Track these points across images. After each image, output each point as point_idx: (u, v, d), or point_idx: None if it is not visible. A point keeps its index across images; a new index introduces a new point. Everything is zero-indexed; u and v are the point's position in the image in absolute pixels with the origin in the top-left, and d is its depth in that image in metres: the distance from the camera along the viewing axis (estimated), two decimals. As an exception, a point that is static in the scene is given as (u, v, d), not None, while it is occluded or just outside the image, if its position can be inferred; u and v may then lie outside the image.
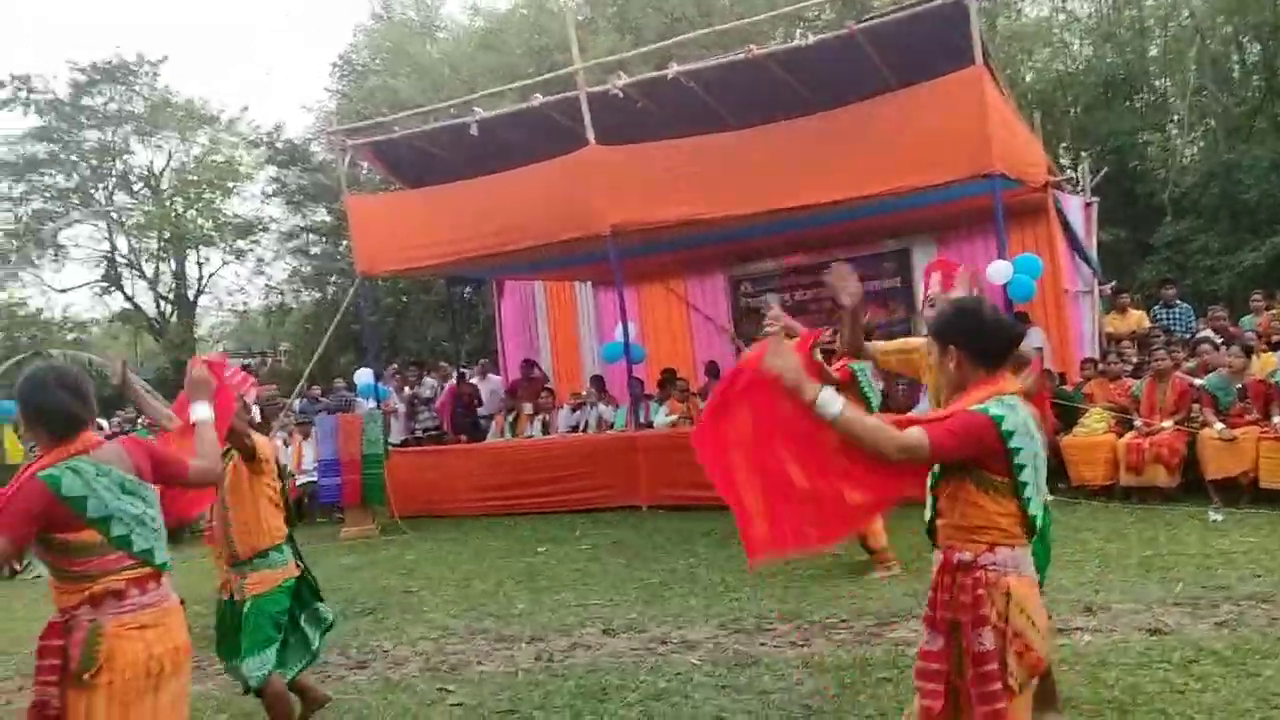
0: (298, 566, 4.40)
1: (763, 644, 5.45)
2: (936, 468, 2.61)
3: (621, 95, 10.10)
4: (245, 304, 32.27)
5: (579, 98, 9.99)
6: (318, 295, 29.16)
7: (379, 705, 4.98)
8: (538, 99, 10.42)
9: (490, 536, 9.47)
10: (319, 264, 29.04)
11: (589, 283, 14.17)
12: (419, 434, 12.27)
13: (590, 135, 9.92)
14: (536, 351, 13.78)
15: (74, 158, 29.48)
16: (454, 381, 12.89)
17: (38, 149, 29.17)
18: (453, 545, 9.25)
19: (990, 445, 2.46)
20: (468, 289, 23.35)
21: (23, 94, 28.92)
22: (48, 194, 29.31)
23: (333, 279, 28.02)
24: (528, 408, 11.43)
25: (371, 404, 11.38)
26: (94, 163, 29.85)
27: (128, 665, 2.71)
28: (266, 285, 32.11)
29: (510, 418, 11.47)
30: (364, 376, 11.63)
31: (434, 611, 6.85)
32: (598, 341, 13.71)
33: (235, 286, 32.28)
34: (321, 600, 4.65)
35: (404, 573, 8.26)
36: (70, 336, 31.92)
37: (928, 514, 2.78)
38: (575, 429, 11.03)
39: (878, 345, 4.25)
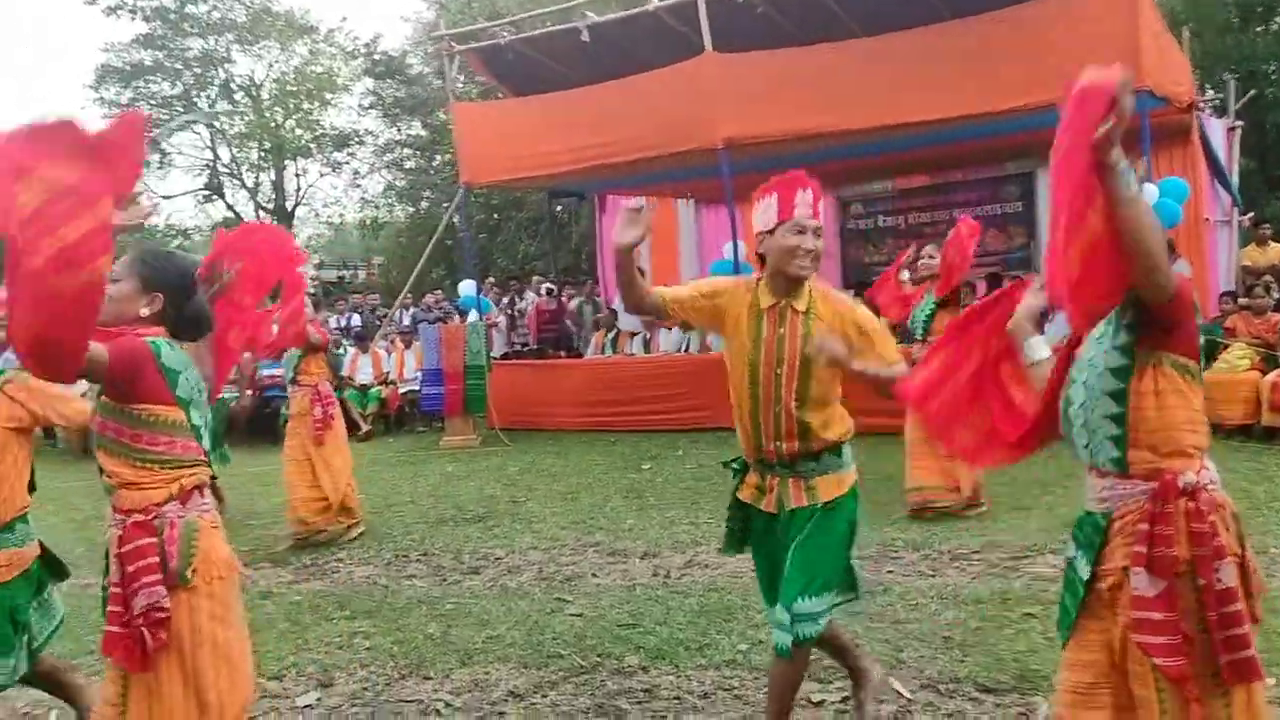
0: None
1: (890, 571, 5.24)
2: (1118, 360, 2.08)
3: (742, 0, 9.65)
4: (341, 216, 32.66)
5: (697, 2, 9.57)
6: (411, 210, 29.33)
7: (498, 611, 4.91)
8: (653, 3, 10.03)
9: (591, 452, 9.39)
10: (413, 178, 29.14)
11: (691, 200, 13.84)
12: (518, 348, 12.21)
13: (707, 42, 9.52)
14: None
15: (178, 65, 29.83)
16: (544, 297, 12.77)
17: (143, 56, 29.59)
18: (554, 459, 9.20)
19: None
20: (560, 206, 23.25)
21: (129, 1, 29.24)
22: (153, 101, 29.80)
23: (426, 193, 28.13)
24: (628, 325, 11.26)
25: (474, 316, 11.34)
26: (197, 71, 30.18)
27: (220, 564, 2.58)
28: (362, 198, 32.37)
29: (610, 335, 11.31)
30: (466, 289, 11.57)
31: (542, 523, 6.79)
32: (698, 260, 13.43)
33: (331, 198, 32.67)
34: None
35: (508, 483, 8.24)
36: (174, 243, 32.78)
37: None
38: (679, 349, 10.83)
39: (665, 293, 3.19)
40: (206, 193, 31.09)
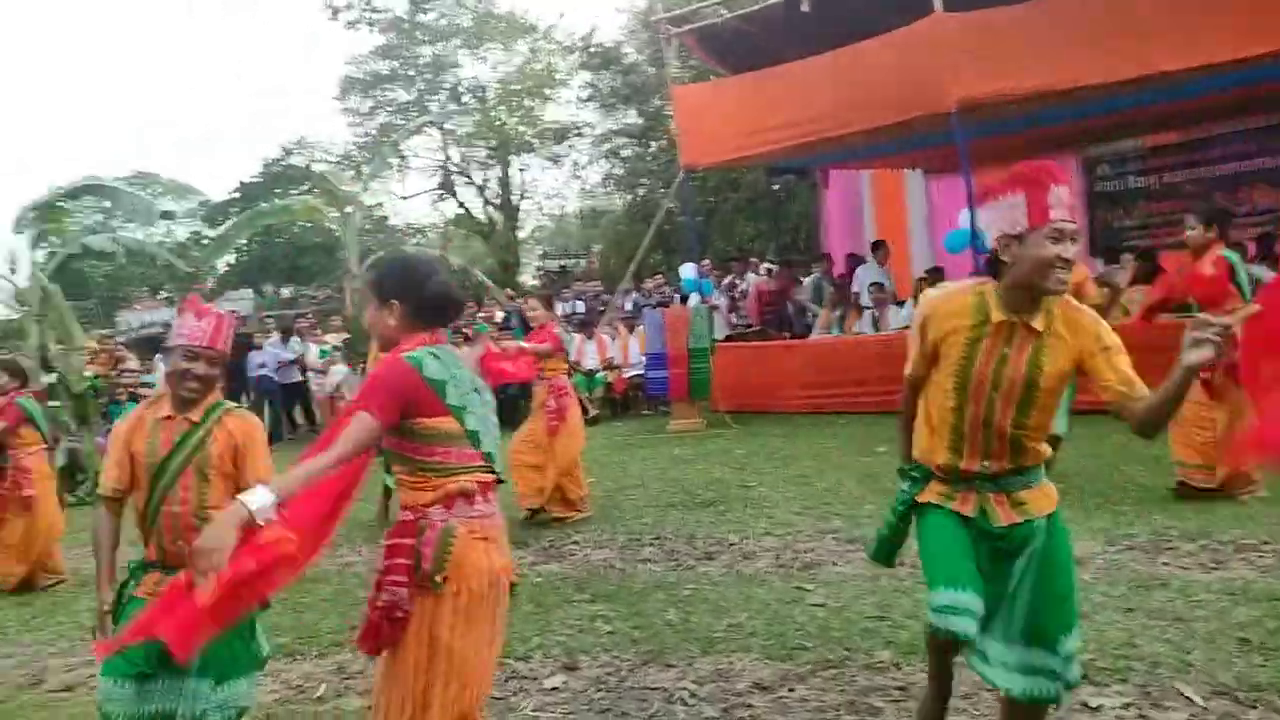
0: None
1: (1165, 564, 4.74)
2: None
3: (972, -45, 9.05)
4: (562, 208, 33.64)
5: (925, -41, 9.08)
6: (629, 197, 29.78)
7: (736, 598, 4.80)
8: (878, -34, 9.59)
9: (819, 435, 9.14)
10: (629, 166, 29.58)
11: (919, 170, 13.22)
12: (740, 329, 12.08)
13: (937, 2, 9.00)
14: (862, 245, 13.11)
15: (411, 73, 31.58)
16: (765, 278, 12.55)
17: (381, 66, 31.53)
18: (782, 442, 9.02)
19: None
20: (775, 184, 22.94)
21: (366, 14, 31.21)
22: (391, 108, 31.71)
23: (643, 180, 28.49)
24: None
25: (695, 299, 11.29)
26: (428, 77, 31.84)
27: (474, 575, 2.54)
28: (581, 189, 33.23)
29: (837, 314, 10.98)
30: (688, 271, 11.54)
31: (775, 508, 6.63)
32: (928, 234, 12.82)
33: (553, 191, 33.70)
34: None
35: (737, 467, 8.13)
36: (413, 241, 34.83)
37: None
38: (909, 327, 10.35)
39: (913, 382, 2.89)
40: (440, 192, 32.80)
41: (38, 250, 9.85)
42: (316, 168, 33.16)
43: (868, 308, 10.78)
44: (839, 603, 4.60)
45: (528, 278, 32.87)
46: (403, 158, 32.50)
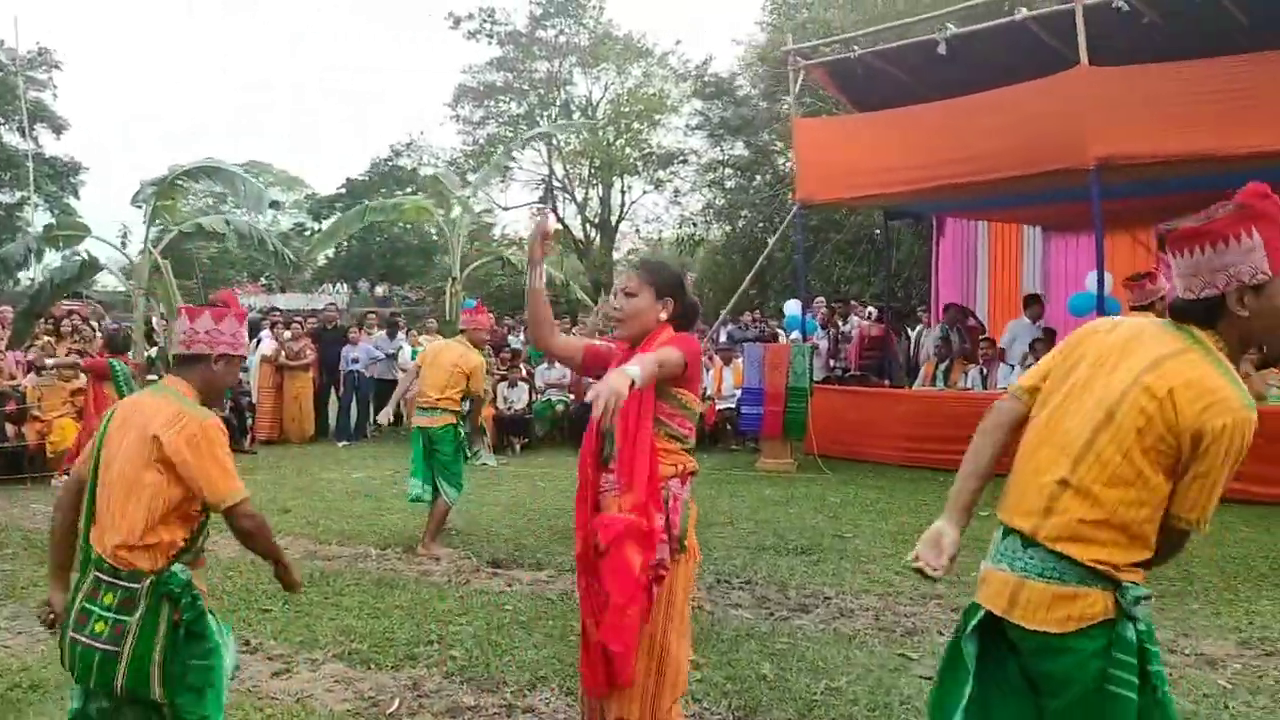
0: None
1: (1314, 676, 4.29)
2: None
3: (1125, 8, 8.65)
4: (660, 232, 33.60)
5: (1074, 11, 8.70)
6: (728, 228, 29.60)
7: (835, 659, 4.49)
8: (1022, 12, 9.23)
9: (919, 490, 8.72)
10: (731, 197, 29.42)
11: (1038, 227, 12.73)
12: (838, 372, 11.71)
13: (1082, 54, 8.62)
14: (972, 298, 12.66)
15: (524, 86, 31.98)
16: (868, 322, 12.17)
17: (495, 78, 31.98)
18: (877, 493, 8.63)
19: None
20: (878, 230, 22.49)
21: (486, 26, 31.72)
22: (501, 119, 32.14)
23: (744, 213, 28.28)
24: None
25: (796, 335, 11.00)
26: (541, 92, 32.21)
27: (695, 548, 2.97)
28: (680, 215, 33.19)
29: (943, 366, 10.55)
30: (792, 308, 11.26)
31: (872, 563, 6.27)
32: (1043, 293, 12.33)
33: (652, 215, 33.70)
34: None
35: (830, 515, 7.78)
36: (508, 252, 35.02)
37: None
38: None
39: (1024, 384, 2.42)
40: (541, 205, 33.05)
41: (152, 226, 10.00)
42: (424, 171, 33.78)
43: (971, 365, 10.31)
44: (948, 678, 4.25)
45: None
46: (507, 169, 32.93)
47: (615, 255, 33.93)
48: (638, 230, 35.05)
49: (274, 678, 4.49)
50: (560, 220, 32.85)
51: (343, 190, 34.96)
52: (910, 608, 5.34)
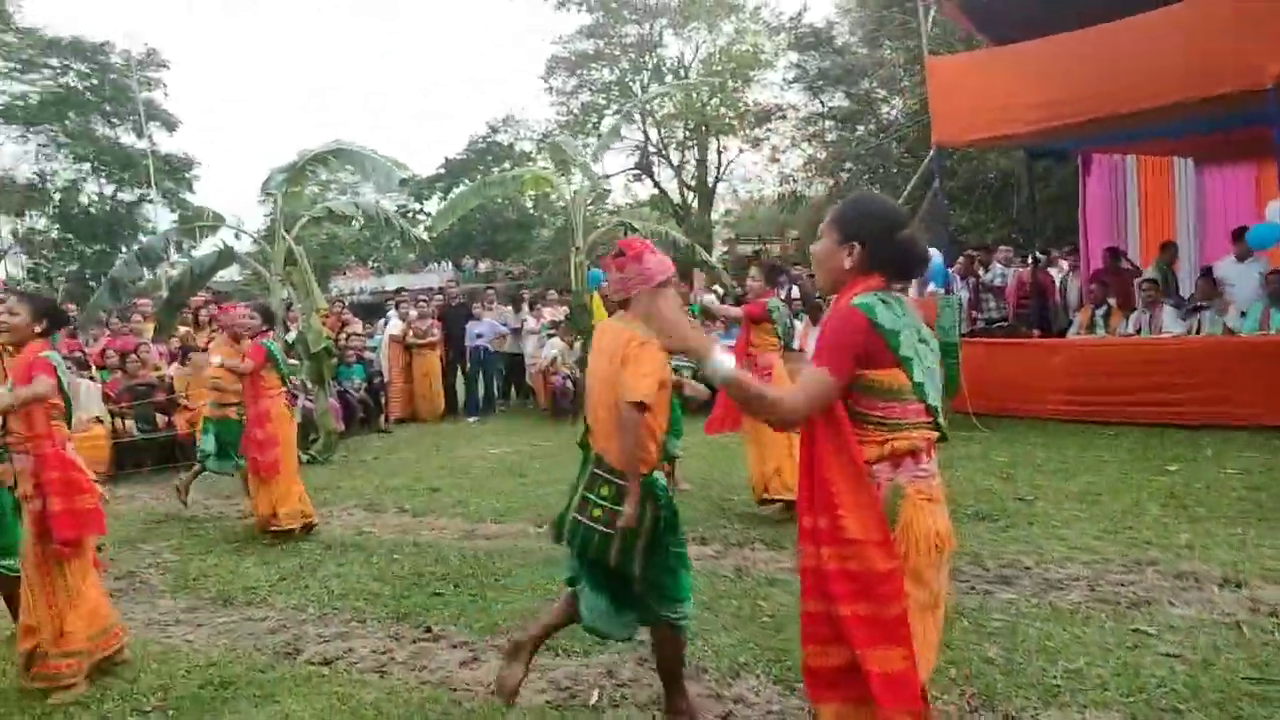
0: None
1: None
2: None
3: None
4: (759, 191, 32.98)
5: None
6: (830, 183, 28.85)
7: (1062, 638, 4.11)
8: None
9: (1091, 446, 8.18)
10: (834, 150, 28.62)
11: (1188, 160, 11.87)
12: (983, 324, 11.11)
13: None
14: (1124, 239, 11.87)
15: (616, 52, 31.57)
16: (1025, 269, 11.50)
17: (587, 45, 31.65)
18: (1045, 451, 8.11)
19: None
20: (991, 175, 21.55)
21: (577, -9, 31.27)
22: (594, 87, 31.82)
23: (847, 166, 27.49)
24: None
25: (932, 288, 10.45)
26: (632, 56, 31.76)
27: (922, 537, 2.40)
28: (780, 172, 32.48)
29: (1101, 312, 9.90)
30: (934, 259, 10.67)
31: (1065, 528, 5.83)
32: (1196, 231, 11.52)
33: (750, 174, 33.09)
34: None
35: (1002, 477, 7.31)
36: (614, 222, 34.83)
37: None
38: (1189, 331, 9.20)
39: None
40: (636, 172, 32.71)
41: (289, 211, 10.01)
42: (521, 146, 33.75)
43: (1132, 310, 9.61)
44: (1197, 654, 3.85)
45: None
46: (600, 136, 32.65)
47: (713, 217, 33.43)
48: (735, 191, 34.49)
49: (462, 667, 4.34)
50: (656, 185, 32.53)
51: (442, 170, 35.13)
52: (1125, 576, 4.90)
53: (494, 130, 33.09)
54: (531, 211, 36.66)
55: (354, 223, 9.50)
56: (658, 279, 3.33)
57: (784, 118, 31.31)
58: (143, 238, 33.54)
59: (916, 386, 2.43)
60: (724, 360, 2.33)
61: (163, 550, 6.75)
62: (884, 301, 2.42)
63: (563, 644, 4.44)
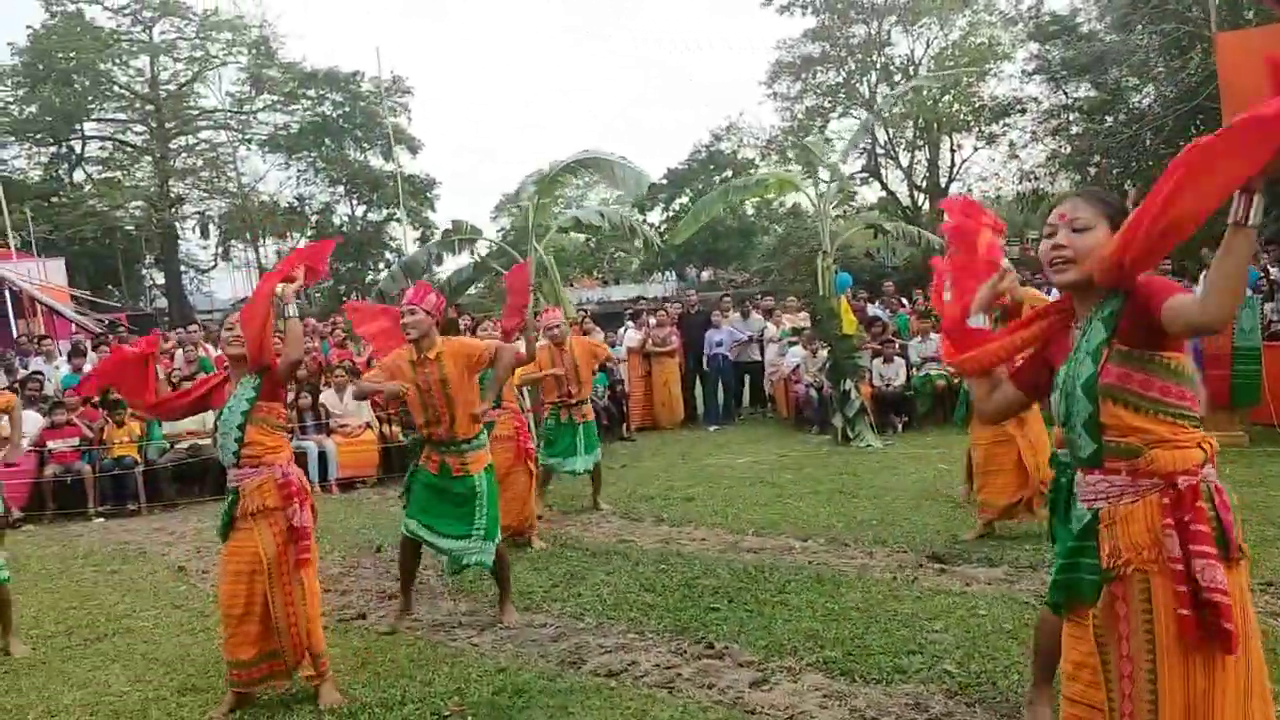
0: None
1: None
2: None
3: None
4: (997, 190, 31.36)
5: None
6: (1076, 178, 27.06)
7: None
8: None
9: None
10: (1079, 143, 26.80)
11: None
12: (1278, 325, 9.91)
13: None
14: None
15: (842, 54, 30.98)
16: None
17: (812, 49, 31.22)
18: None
19: None
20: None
21: (800, -3, 30.99)
22: (818, 90, 31.33)
23: (1095, 160, 25.67)
24: None
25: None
26: (859, 57, 31.07)
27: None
28: (1019, 169, 30.82)
29: None
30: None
31: None
32: None
33: (986, 172, 31.57)
34: None
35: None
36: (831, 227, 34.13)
37: None
38: None
39: None
40: (864, 175, 31.89)
41: (537, 222, 10.25)
42: (743, 154, 33.68)
43: None
44: None
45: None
46: (828, 140, 32.08)
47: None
48: (969, 191, 32.94)
49: (753, 688, 4.13)
50: (884, 186, 31.61)
51: (664, 180, 35.55)
52: None
53: (716, 138, 33.16)
54: (752, 219, 36.50)
55: (600, 231, 9.61)
56: None
57: (1023, 111, 29.71)
58: (388, 254, 35.98)
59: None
60: None
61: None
62: None
63: (853, 667, 4.18)
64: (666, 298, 19.15)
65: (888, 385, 10.85)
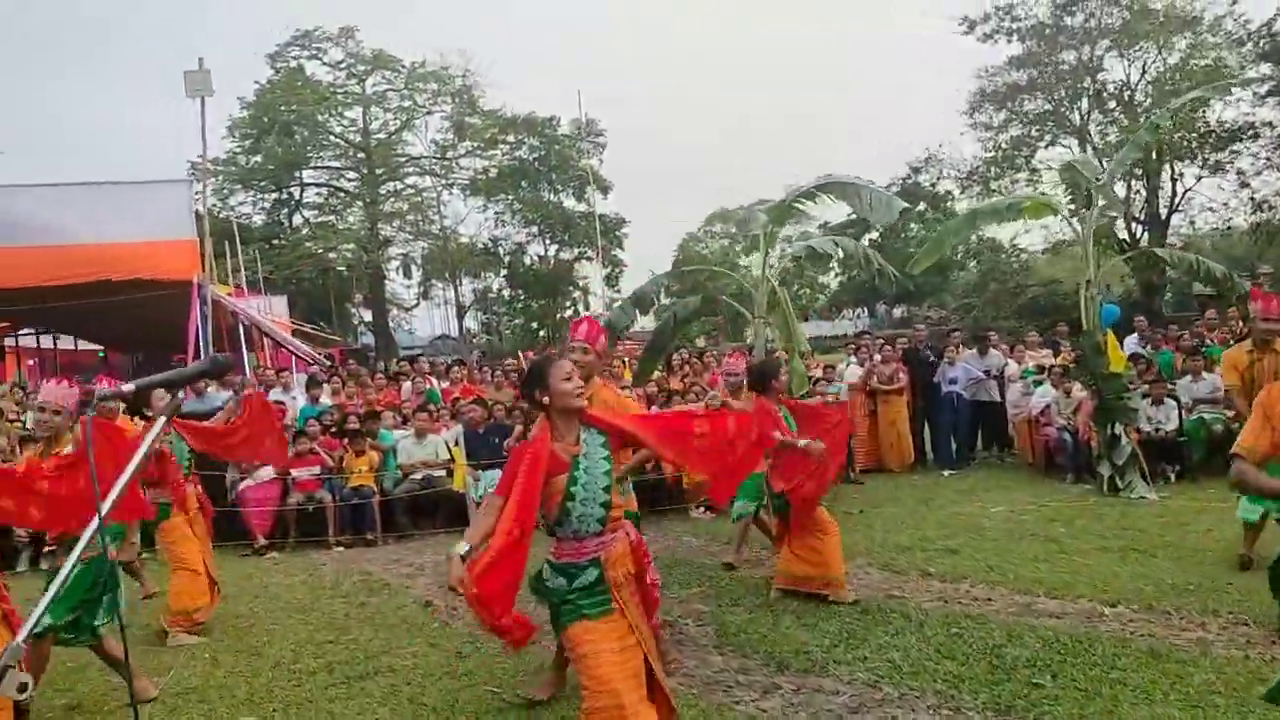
0: None
1: None
2: None
3: None
4: (1227, 222, 28.94)
5: None
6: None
7: None
8: None
9: None
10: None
11: None
12: None
13: None
14: None
15: (1050, 80, 29.48)
16: None
17: (1017, 76, 29.85)
18: None
19: None
20: None
21: (1005, 24, 29.77)
22: (1025, 119, 29.87)
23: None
24: None
25: None
26: (1068, 83, 29.50)
27: None
28: (1251, 198, 28.45)
29: None
30: None
31: None
32: None
33: (1212, 202, 29.21)
34: None
35: None
36: (1022, 258, 32.44)
37: None
38: None
39: None
40: (1071, 207, 30.06)
41: (771, 252, 9.82)
42: (943, 186, 32.43)
43: None
44: None
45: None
46: (1034, 170, 30.49)
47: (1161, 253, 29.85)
48: (1192, 222, 30.57)
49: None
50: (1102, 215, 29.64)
51: (852, 215, 34.61)
52: None
53: (915, 170, 32.10)
54: (950, 255, 35.07)
55: (828, 261, 9.12)
56: None
57: (1256, 137, 27.44)
58: (575, 292, 36.48)
59: None
60: None
61: (690, 599, 6.52)
62: None
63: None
64: (865, 331, 18.30)
65: (1157, 430, 9.73)
